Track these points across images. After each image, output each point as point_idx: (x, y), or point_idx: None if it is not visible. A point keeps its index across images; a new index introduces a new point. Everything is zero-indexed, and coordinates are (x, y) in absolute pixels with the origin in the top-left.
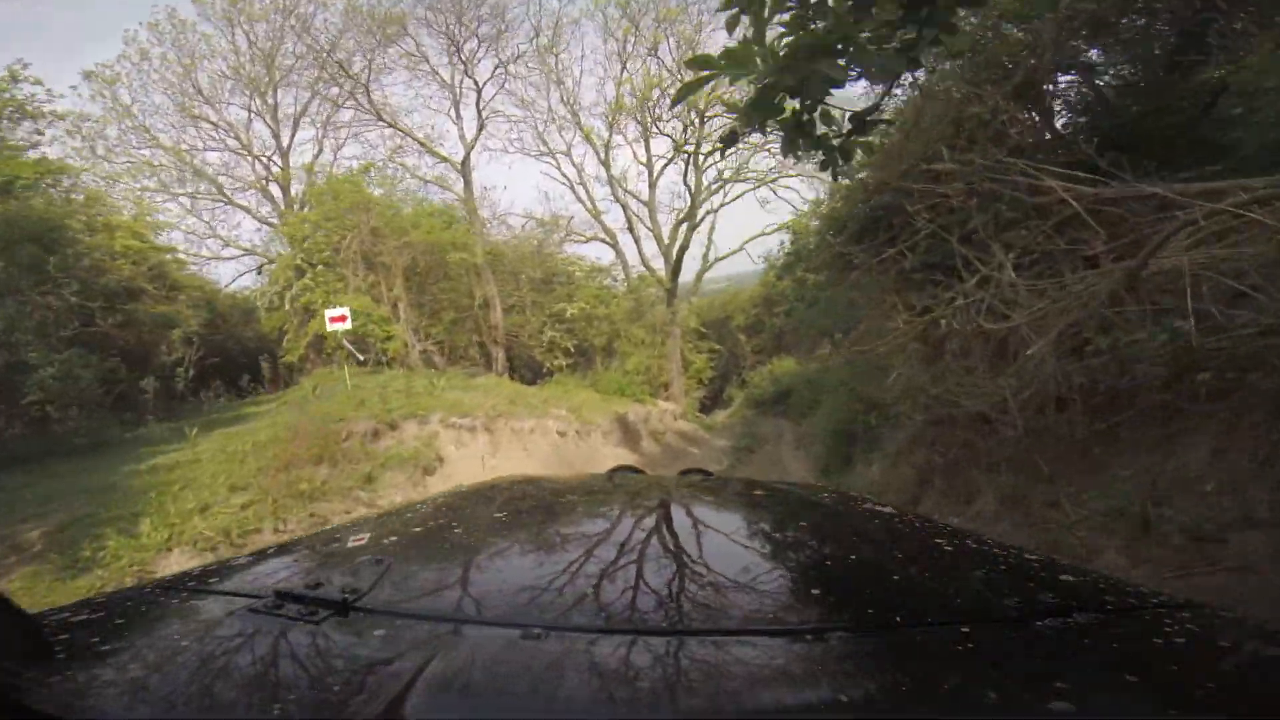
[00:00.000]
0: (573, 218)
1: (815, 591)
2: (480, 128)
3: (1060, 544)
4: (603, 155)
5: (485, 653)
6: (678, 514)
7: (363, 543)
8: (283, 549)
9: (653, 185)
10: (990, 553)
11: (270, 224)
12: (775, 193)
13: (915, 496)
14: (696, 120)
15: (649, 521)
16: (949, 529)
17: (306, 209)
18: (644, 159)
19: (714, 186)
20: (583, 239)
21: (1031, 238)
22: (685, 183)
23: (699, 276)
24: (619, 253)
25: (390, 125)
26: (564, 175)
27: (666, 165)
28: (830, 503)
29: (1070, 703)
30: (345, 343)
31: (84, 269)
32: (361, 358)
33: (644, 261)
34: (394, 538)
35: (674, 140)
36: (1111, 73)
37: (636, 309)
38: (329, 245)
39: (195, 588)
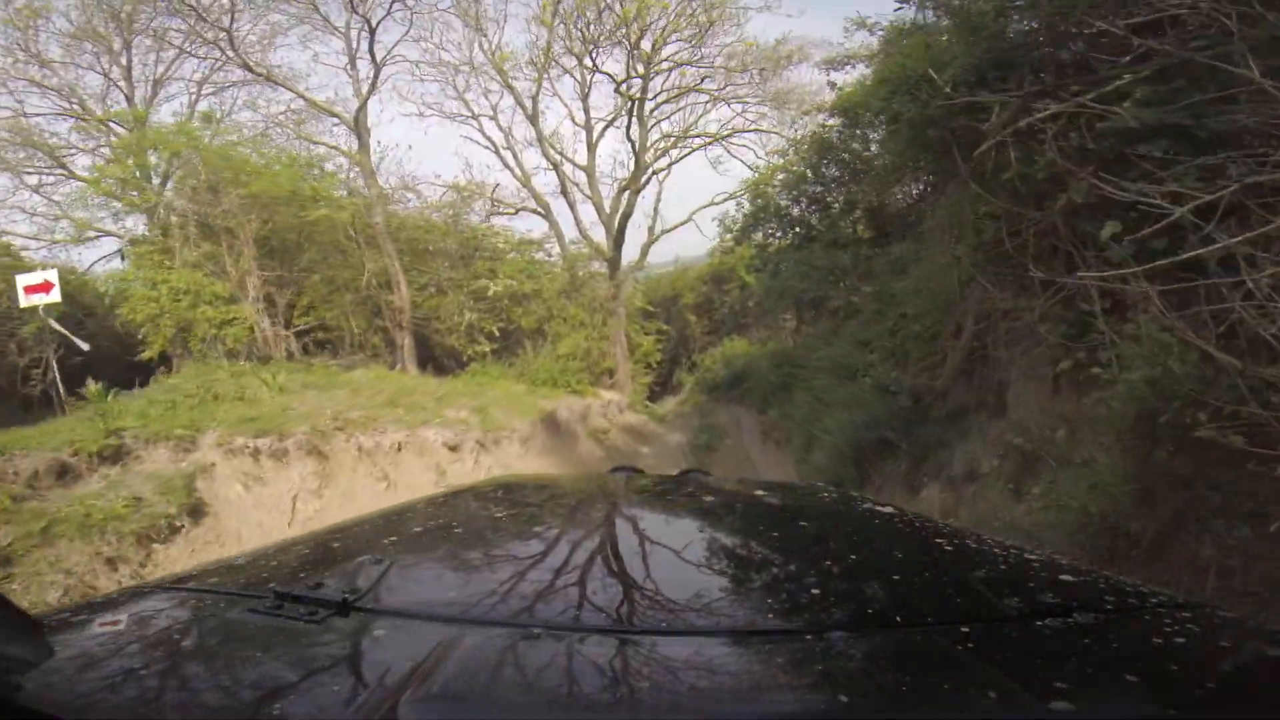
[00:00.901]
0: (499, 185)
1: (815, 591)
2: (376, 74)
3: None
4: (530, 108)
5: (485, 653)
6: (678, 514)
7: (363, 543)
8: (282, 549)
9: (592, 148)
10: (990, 553)
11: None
12: (729, 151)
13: None
14: (642, 65)
15: (649, 521)
16: (949, 529)
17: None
18: (580, 120)
19: (660, 146)
20: (511, 210)
21: None
22: (629, 137)
23: (644, 250)
24: (552, 223)
25: (266, 78)
26: (488, 139)
27: (607, 127)
28: (830, 502)
29: (1070, 703)
30: (52, 323)
31: None
32: (86, 346)
33: (581, 231)
34: (394, 538)
35: (615, 79)
36: None
37: (573, 283)
38: (143, 207)
39: (195, 588)
